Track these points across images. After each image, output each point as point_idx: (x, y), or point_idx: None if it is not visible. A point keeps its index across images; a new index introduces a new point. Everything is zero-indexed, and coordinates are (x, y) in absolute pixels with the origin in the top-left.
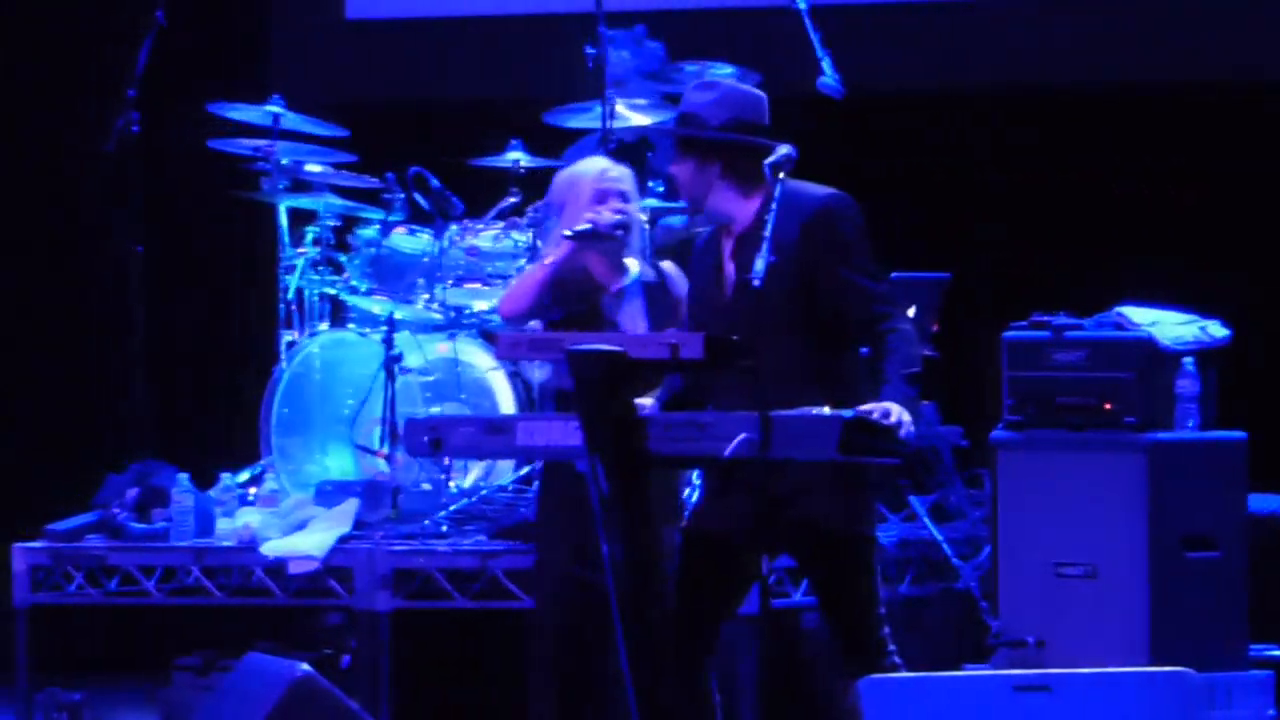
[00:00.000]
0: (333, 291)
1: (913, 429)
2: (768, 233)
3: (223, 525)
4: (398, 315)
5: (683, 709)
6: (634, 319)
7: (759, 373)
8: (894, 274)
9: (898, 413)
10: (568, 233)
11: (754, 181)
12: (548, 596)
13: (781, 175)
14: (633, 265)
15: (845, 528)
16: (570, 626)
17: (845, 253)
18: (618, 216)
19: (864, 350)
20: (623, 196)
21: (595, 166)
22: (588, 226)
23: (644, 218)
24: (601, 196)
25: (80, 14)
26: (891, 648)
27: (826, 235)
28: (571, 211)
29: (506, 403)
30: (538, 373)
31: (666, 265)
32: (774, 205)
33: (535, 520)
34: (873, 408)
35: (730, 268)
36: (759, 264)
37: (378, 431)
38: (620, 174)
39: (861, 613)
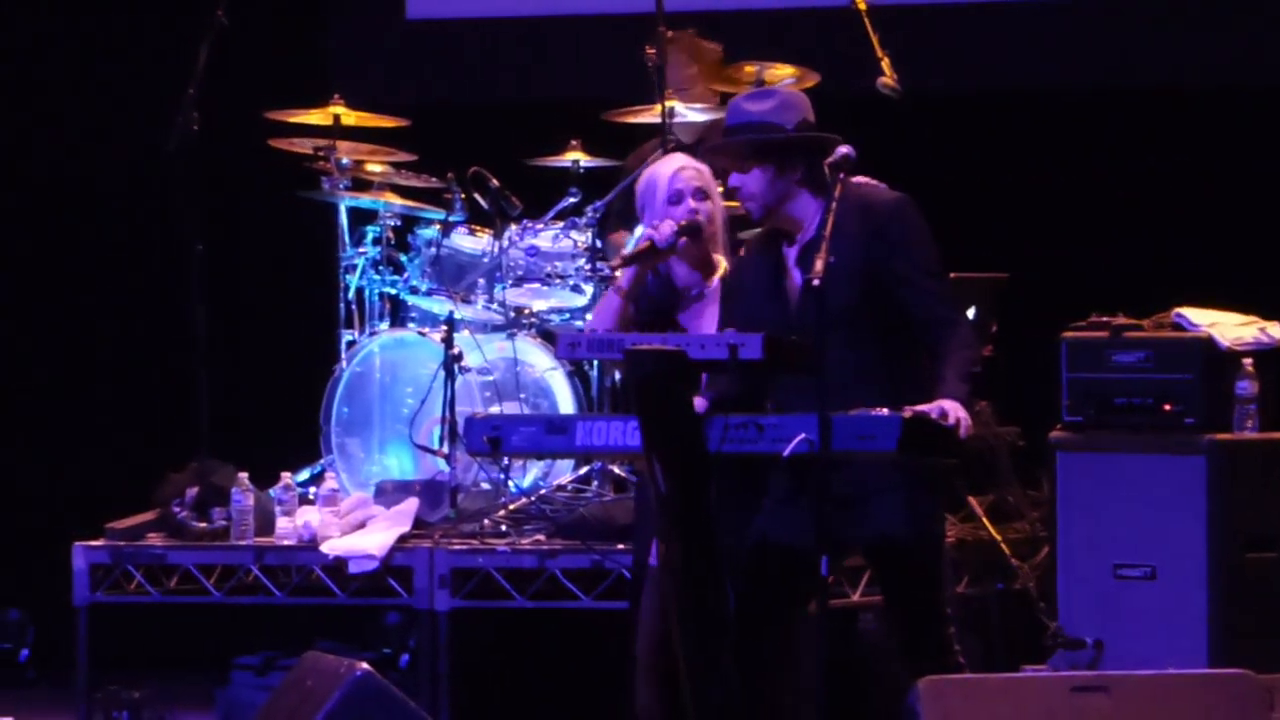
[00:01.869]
0: (393, 291)
1: (970, 426)
2: (827, 232)
3: (283, 524)
4: (458, 315)
5: (746, 711)
6: (707, 327)
7: (820, 374)
8: (952, 274)
9: (954, 412)
10: (619, 258)
11: (826, 184)
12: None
13: (842, 175)
14: (721, 264)
15: (913, 528)
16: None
17: (912, 253)
18: (677, 224)
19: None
20: (698, 194)
21: (670, 166)
22: (646, 245)
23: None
24: (676, 197)
25: (141, 14)
26: (956, 647)
27: (894, 235)
28: (650, 216)
29: (566, 402)
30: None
31: None
32: (834, 205)
33: (632, 521)
34: (930, 408)
35: (797, 274)
36: (818, 264)
37: (437, 431)
38: (695, 172)
39: (928, 612)
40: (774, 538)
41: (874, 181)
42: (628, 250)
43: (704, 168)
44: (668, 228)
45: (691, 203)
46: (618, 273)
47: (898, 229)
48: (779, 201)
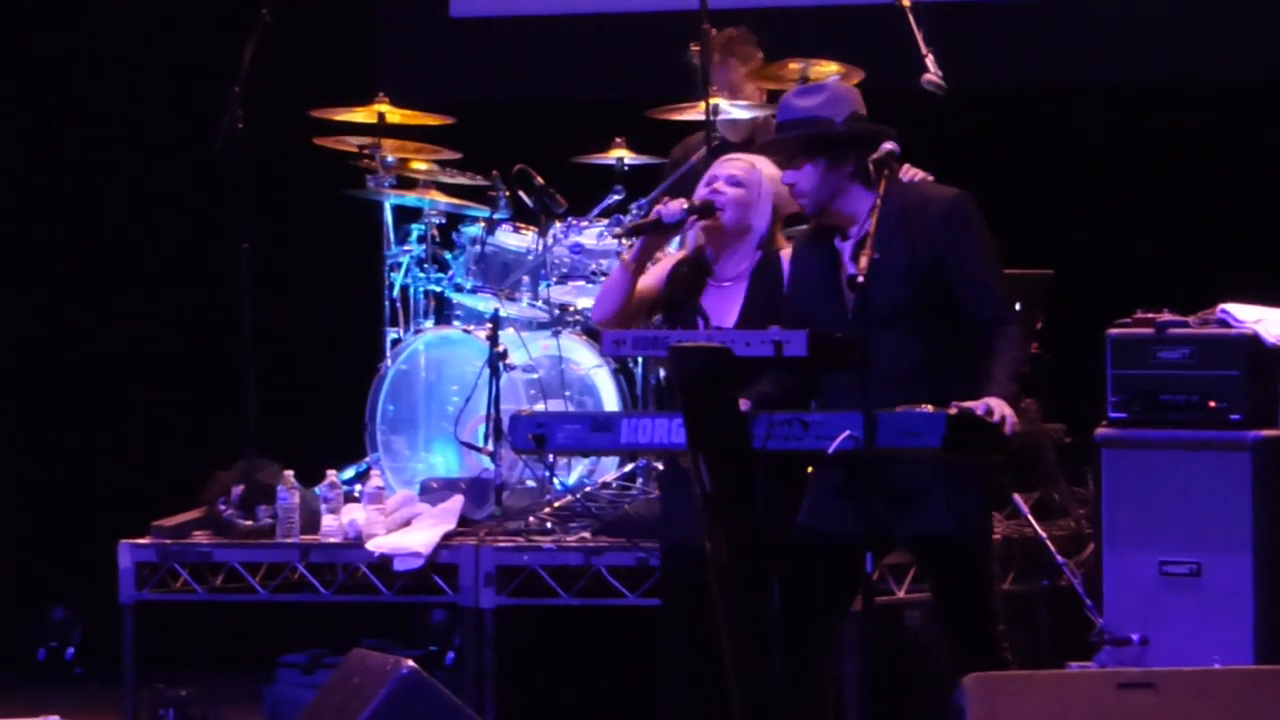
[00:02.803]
0: (438, 289)
1: (1015, 426)
2: (872, 229)
3: (328, 522)
4: (502, 312)
5: (794, 708)
6: (725, 314)
7: (866, 371)
8: None
9: (1000, 409)
10: (623, 227)
11: (875, 182)
12: (670, 593)
13: (887, 173)
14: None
15: (961, 525)
16: (694, 623)
17: (970, 248)
18: (695, 203)
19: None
20: (729, 180)
21: (723, 160)
22: (653, 219)
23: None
24: (710, 179)
25: (186, 14)
26: (1005, 644)
27: (952, 230)
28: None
29: (610, 400)
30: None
31: (787, 251)
32: (879, 202)
33: (658, 518)
34: (976, 405)
35: (851, 268)
36: (863, 261)
37: (482, 429)
38: (742, 164)
39: (976, 609)
40: (821, 529)
41: (930, 177)
42: (623, 225)
43: (757, 162)
44: (676, 205)
45: (718, 185)
46: (626, 246)
47: (955, 224)
48: (831, 197)
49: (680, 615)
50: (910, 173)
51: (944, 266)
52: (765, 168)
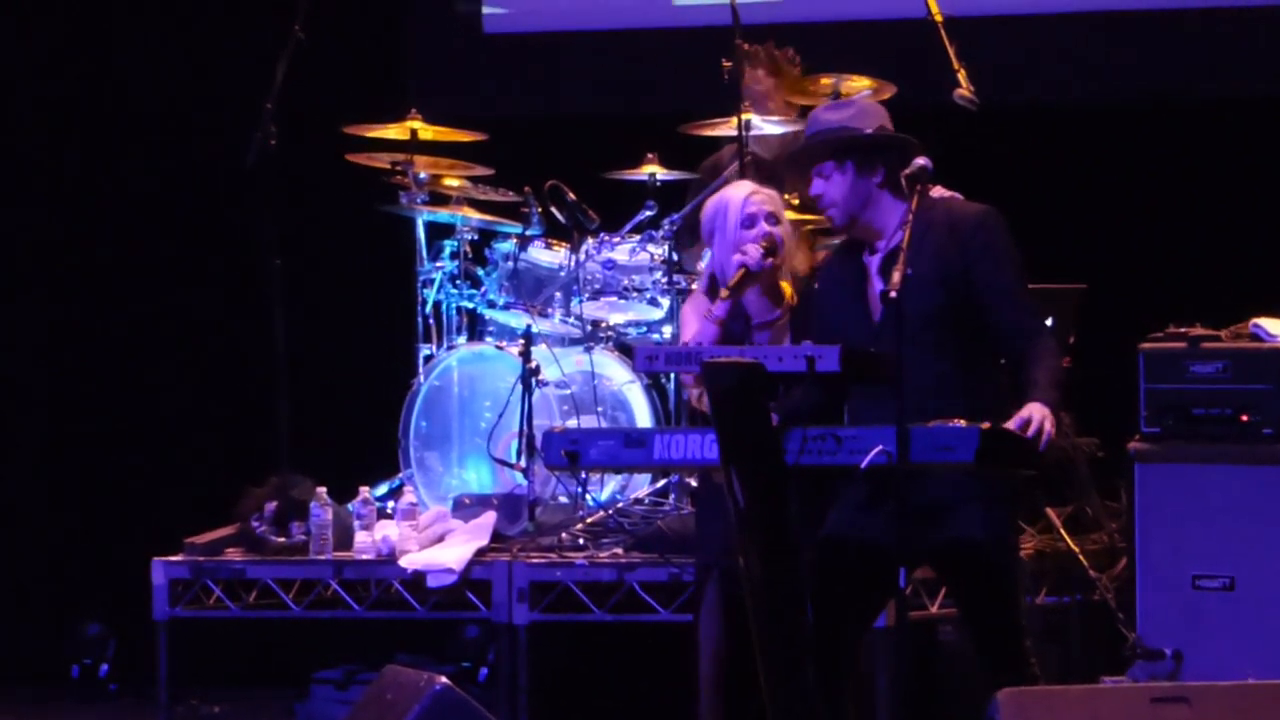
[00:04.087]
0: (470, 305)
1: (1053, 436)
2: (904, 244)
3: (361, 538)
4: (535, 329)
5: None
6: None
7: (898, 386)
8: (1030, 284)
9: (1040, 419)
10: (725, 291)
11: (905, 192)
12: (707, 609)
13: (919, 188)
14: (787, 290)
15: (989, 541)
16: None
17: (999, 262)
18: (764, 246)
19: (1003, 361)
20: (770, 218)
21: (740, 191)
22: (742, 272)
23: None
24: (750, 221)
25: (220, 30)
26: (1032, 659)
27: (980, 245)
28: (721, 240)
29: (643, 416)
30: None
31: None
32: (911, 218)
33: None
34: (1018, 417)
35: (878, 287)
36: (895, 276)
37: (515, 444)
38: (766, 195)
39: (1005, 625)
40: (845, 543)
41: (956, 194)
42: (727, 288)
43: (774, 193)
44: (755, 251)
45: (765, 225)
46: (710, 307)
47: (984, 238)
48: (861, 206)
49: (712, 631)
50: (939, 192)
51: (975, 281)
52: (771, 190)
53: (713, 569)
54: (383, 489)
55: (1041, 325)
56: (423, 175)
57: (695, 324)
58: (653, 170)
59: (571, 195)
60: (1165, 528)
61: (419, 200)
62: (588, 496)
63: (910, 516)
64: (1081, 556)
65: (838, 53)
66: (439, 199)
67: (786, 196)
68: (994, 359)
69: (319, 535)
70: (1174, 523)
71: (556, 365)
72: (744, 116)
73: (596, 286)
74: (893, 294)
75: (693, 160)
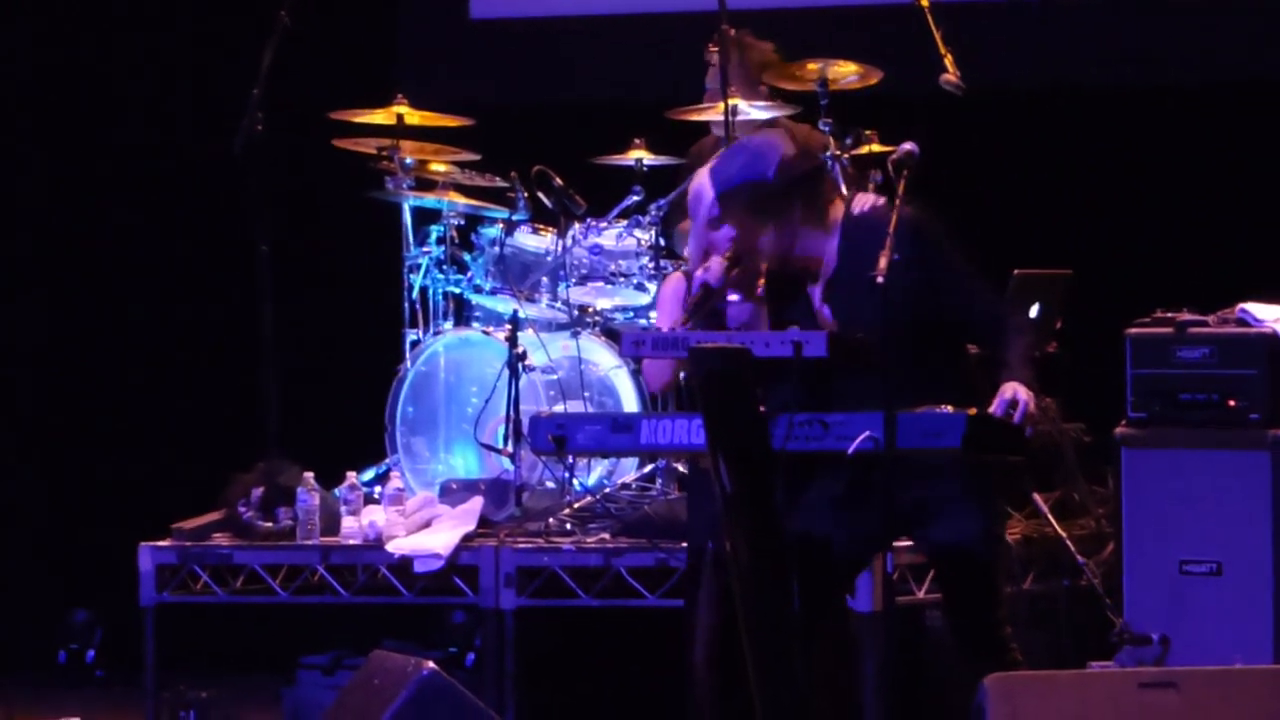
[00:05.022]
0: (457, 290)
1: (1035, 415)
2: (891, 229)
3: (348, 524)
4: (522, 314)
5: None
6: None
7: (886, 372)
8: (1016, 270)
9: (1025, 400)
10: (684, 315)
11: (825, 215)
12: (699, 593)
13: (906, 172)
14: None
15: (972, 527)
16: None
17: (950, 260)
18: (727, 258)
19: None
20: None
21: (708, 184)
22: (702, 292)
23: None
24: (716, 222)
25: (205, 16)
26: (1013, 645)
27: (929, 250)
28: (695, 226)
29: (630, 401)
30: None
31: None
32: (899, 200)
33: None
34: (999, 399)
35: (826, 313)
36: (882, 261)
37: (502, 430)
38: None
39: (985, 612)
40: (817, 535)
41: (877, 199)
42: (689, 304)
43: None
44: (717, 266)
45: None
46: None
47: (924, 241)
48: (789, 247)
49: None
50: (862, 199)
51: (930, 281)
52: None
53: (705, 553)
54: (370, 474)
55: (1006, 306)
56: (409, 160)
57: (673, 311)
58: (639, 155)
59: (558, 180)
60: (1152, 513)
61: (405, 185)
62: (574, 482)
63: (890, 504)
64: (1069, 542)
65: (824, 38)
66: (425, 184)
67: None
68: (961, 346)
69: (306, 521)
70: (1161, 508)
71: (543, 350)
72: (731, 101)
73: (583, 271)
74: (879, 279)
75: (679, 145)
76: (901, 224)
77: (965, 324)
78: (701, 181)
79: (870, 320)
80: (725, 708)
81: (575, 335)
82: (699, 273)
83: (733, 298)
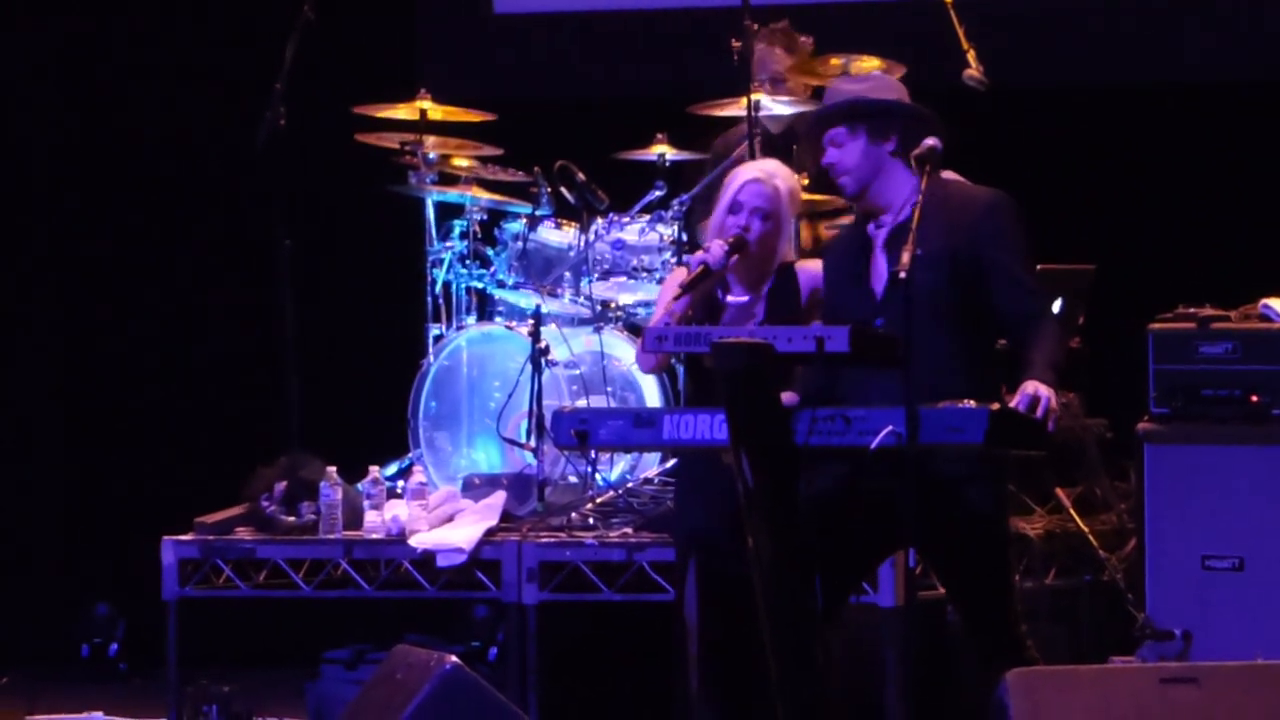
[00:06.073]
0: (480, 285)
1: (1059, 415)
2: (914, 224)
3: (371, 518)
4: (544, 309)
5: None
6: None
7: (907, 366)
8: (1039, 265)
9: (1047, 398)
10: (679, 287)
11: (914, 168)
12: (689, 589)
13: (928, 168)
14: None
15: (982, 522)
16: (713, 621)
17: (1006, 245)
18: (730, 242)
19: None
20: (756, 213)
21: (747, 173)
22: (700, 270)
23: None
24: (735, 207)
25: (229, 10)
26: (1029, 643)
27: (990, 227)
28: (717, 209)
29: (653, 396)
30: None
31: (802, 265)
32: (921, 198)
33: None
34: (1020, 395)
35: (882, 261)
36: (905, 256)
37: (524, 425)
38: (765, 189)
39: (998, 607)
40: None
41: (963, 179)
42: (684, 279)
43: (781, 188)
44: (718, 248)
45: (745, 218)
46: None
47: (996, 222)
48: (873, 174)
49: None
50: (948, 175)
51: (982, 264)
52: (782, 182)
53: (691, 548)
54: (392, 469)
55: (1046, 309)
56: (432, 155)
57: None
58: (662, 150)
59: (581, 175)
60: (1174, 508)
61: (428, 180)
62: (597, 476)
63: (900, 496)
64: (1091, 537)
65: (848, 33)
66: (448, 179)
67: (799, 177)
68: (993, 341)
69: (329, 515)
70: (1183, 503)
71: (566, 345)
72: (754, 96)
73: (606, 267)
74: (902, 274)
75: (702, 140)
76: (980, 201)
77: (1002, 316)
78: (738, 170)
79: (920, 284)
80: (722, 705)
81: (598, 330)
82: (699, 253)
83: (732, 298)
